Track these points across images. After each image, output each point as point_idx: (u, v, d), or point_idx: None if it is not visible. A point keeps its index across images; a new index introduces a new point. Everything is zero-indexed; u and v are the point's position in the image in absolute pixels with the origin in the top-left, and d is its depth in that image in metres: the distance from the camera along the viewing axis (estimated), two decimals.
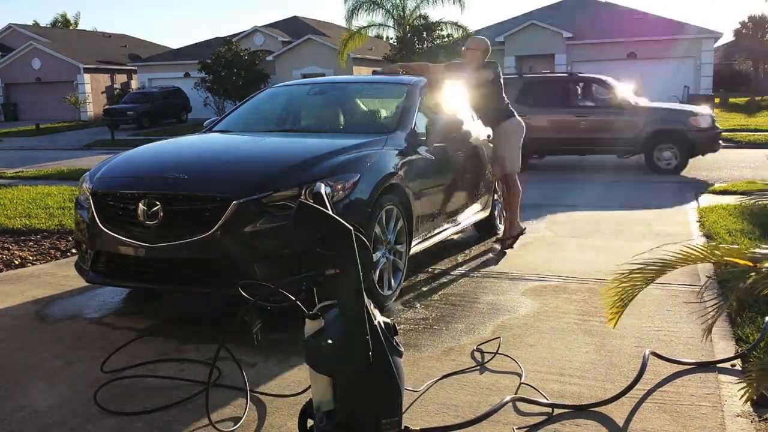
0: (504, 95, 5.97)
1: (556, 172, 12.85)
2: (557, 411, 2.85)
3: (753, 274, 2.34)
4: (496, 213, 6.47)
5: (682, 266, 2.64)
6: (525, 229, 6.04)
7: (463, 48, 5.93)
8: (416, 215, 4.63)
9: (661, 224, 6.90)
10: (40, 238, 6.63)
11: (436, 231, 5.15)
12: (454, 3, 27.08)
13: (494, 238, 6.23)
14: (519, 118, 6.00)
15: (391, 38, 28.81)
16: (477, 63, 5.79)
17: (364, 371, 2.24)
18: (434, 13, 59.54)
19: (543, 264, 5.33)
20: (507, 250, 5.84)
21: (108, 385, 3.17)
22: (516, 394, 3.01)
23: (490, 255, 5.74)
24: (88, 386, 3.16)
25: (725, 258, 2.45)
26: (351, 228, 2.28)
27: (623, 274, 2.74)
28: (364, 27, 27.51)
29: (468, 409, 2.87)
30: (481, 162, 5.97)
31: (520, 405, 2.91)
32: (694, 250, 2.57)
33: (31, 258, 5.88)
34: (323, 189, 2.60)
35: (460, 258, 5.65)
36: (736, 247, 2.53)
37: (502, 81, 5.93)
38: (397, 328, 2.42)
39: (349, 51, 28.06)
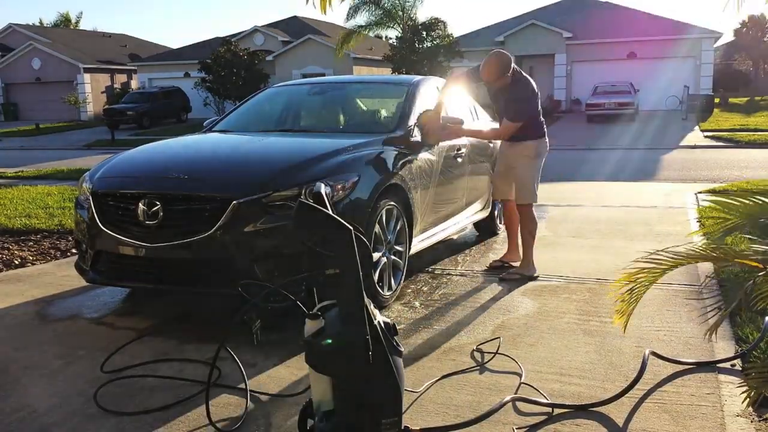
0: (539, 107, 5.11)
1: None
2: (557, 411, 2.85)
3: (761, 274, 2.33)
4: (495, 213, 6.46)
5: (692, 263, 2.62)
6: (538, 276, 4.97)
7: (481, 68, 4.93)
8: (416, 215, 4.63)
9: (661, 224, 6.90)
10: (40, 238, 6.63)
11: (436, 231, 5.15)
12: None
13: (498, 261, 5.34)
14: (547, 139, 5.17)
15: (391, 38, 28.84)
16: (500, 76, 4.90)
17: (364, 371, 2.24)
18: (434, 13, 59.52)
19: (543, 264, 5.32)
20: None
21: (108, 385, 3.17)
22: (516, 393, 3.00)
23: (491, 255, 5.73)
24: (88, 386, 3.17)
25: (735, 259, 2.44)
26: (351, 228, 2.28)
27: (631, 273, 2.73)
28: (363, 26, 27.54)
29: (468, 409, 2.87)
30: (481, 161, 5.97)
31: (520, 405, 2.91)
32: (703, 249, 2.56)
33: (31, 258, 5.88)
34: (323, 189, 2.60)
35: (460, 258, 5.65)
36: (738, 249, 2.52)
37: (535, 88, 5.09)
38: (397, 328, 2.42)
39: (346, 50, 28.08)
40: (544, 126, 5.16)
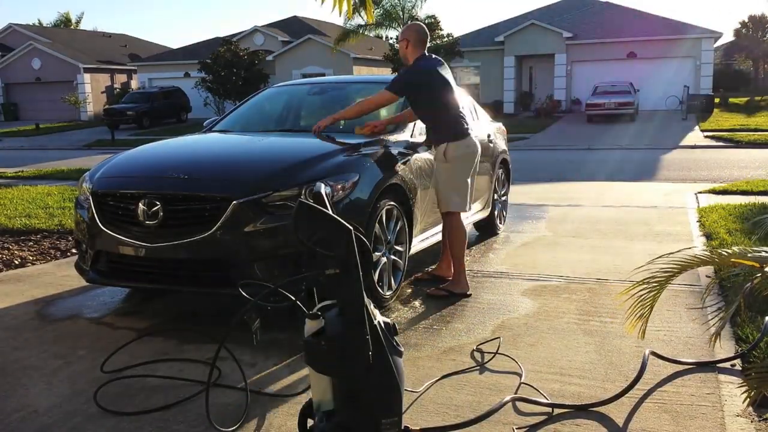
0: (457, 103, 4.58)
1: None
2: (557, 411, 2.85)
3: (759, 275, 2.33)
4: (496, 213, 6.47)
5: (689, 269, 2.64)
6: (470, 294, 4.51)
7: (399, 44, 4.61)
8: (416, 215, 4.63)
9: (661, 224, 6.90)
10: (40, 238, 6.63)
11: (437, 231, 5.14)
12: None
13: (425, 273, 5.01)
14: (475, 139, 4.63)
15: (392, 38, 28.85)
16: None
17: (364, 371, 2.24)
18: (435, 12, 59.53)
19: (543, 264, 5.32)
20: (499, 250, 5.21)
21: (108, 384, 3.17)
22: (516, 393, 3.00)
23: (490, 255, 5.73)
24: (88, 386, 3.16)
25: (731, 260, 2.44)
26: (351, 228, 2.28)
27: (637, 283, 2.74)
28: (362, 25, 27.54)
29: (468, 409, 2.87)
30: (481, 161, 5.95)
31: (520, 405, 2.91)
32: (700, 255, 2.56)
33: (31, 258, 5.88)
34: (323, 189, 2.60)
35: None
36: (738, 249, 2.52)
37: (450, 81, 4.55)
38: (397, 328, 2.42)
39: (345, 49, 28.04)
40: (465, 127, 4.55)
